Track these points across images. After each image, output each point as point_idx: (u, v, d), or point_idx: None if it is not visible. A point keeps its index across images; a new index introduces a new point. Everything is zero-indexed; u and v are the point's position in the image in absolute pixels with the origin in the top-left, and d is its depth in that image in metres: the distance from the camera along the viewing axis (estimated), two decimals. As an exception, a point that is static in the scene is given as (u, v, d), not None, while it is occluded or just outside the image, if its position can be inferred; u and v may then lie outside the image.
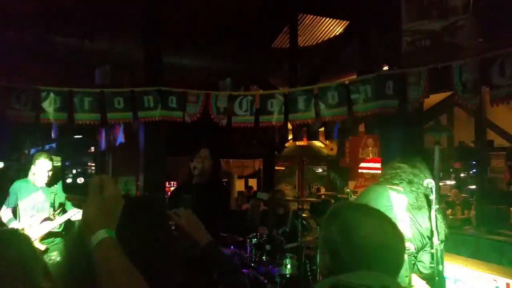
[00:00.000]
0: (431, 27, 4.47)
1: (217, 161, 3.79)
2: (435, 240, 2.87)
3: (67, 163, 1.16)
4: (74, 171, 1.15)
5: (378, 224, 1.33)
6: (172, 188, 10.94)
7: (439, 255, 2.84)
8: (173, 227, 1.54)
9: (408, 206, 2.80)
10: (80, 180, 1.14)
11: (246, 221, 6.67)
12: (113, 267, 0.99)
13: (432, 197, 3.02)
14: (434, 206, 2.98)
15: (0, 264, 1.56)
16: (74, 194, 1.15)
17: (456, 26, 4.20)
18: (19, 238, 1.72)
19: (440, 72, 4.43)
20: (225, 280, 1.52)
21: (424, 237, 2.82)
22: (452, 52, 4.24)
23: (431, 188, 2.99)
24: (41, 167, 4.39)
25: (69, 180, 1.15)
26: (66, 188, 1.14)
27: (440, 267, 2.79)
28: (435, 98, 5.41)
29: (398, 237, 1.34)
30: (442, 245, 2.91)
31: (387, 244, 1.29)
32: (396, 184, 2.85)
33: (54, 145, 7.84)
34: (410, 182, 2.83)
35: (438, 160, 6.60)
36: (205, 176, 3.68)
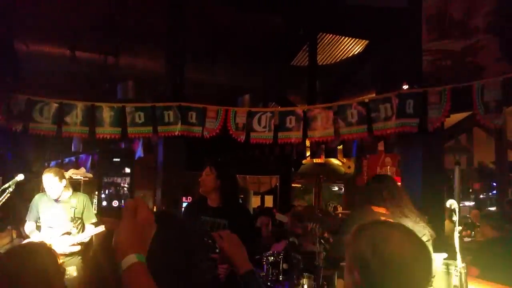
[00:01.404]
0: (452, 47, 4.46)
1: (226, 178, 3.50)
2: (459, 263, 2.82)
3: (104, 183, 1.18)
4: (107, 191, 1.17)
5: (407, 237, 1.32)
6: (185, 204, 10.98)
7: (463, 279, 2.79)
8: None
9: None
10: (115, 203, 1.16)
11: (262, 239, 6.62)
12: None
13: (456, 218, 2.99)
14: (457, 228, 2.95)
15: (26, 275, 1.58)
16: (109, 217, 1.16)
17: (477, 46, 4.18)
18: (45, 251, 1.75)
19: (461, 91, 4.40)
20: None
21: None
22: (474, 72, 4.22)
23: (454, 209, 2.97)
24: (45, 182, 4.39)
25: (104, 203, 1.16)
26: (102, 211, 1.16)
27: (465, 290, 2.74)
28: (454, 118, 5.37)
29: (426, 251, 1.34)
30: (465, 268, 2.87)
31: (416, 257, 1.28)
32: (377, 204, 3.02)
33: (73, 158, 7.95)
34: (391, 199, 3.00)
35: (458, 180, 6.52)
36: (210, 192, 3.48)
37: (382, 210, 2.96)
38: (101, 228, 4.37)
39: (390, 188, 3.02)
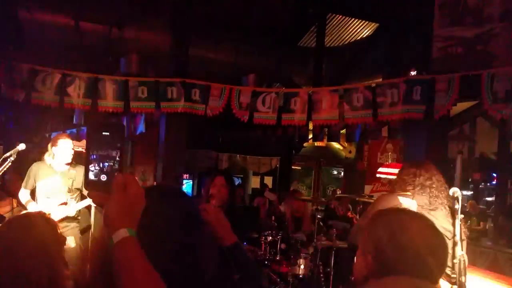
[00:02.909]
0: (464, 34, 4.38)
1: (233, 186, 3.73)
2: (459, 250, 2.82)
3: (92, 156, 1.14)
4: (96, 165, 1.13)
5: (424, 226, 1.34)
6: (189, 179, 10.98)
7: (462, 266, 2.79)
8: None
9: (419, 209, 2.81)
10: (104, 177, 1.13)
11: (260, 219, 6.65)
12: (133, 267, 0.98)
13: (458, 206, 2.97)
14: (460, 216, 2.94)
15: (25, 246, 1.57)
16: (97, 191, 1.13)
17: (491, 34, 4.10)
18: (45, 222, 1.73)
19: (470, 80, 4.34)
20: (248, 283, 1.51)
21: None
22: (485, 60, 4.15)
23: (457, 197, 2.95)
24: (64, 148, 4.40)
25: (92, 177, 1.13)
26: (89, 185, 1.13)
27: (463, 278, 2.74)
28: (459, 107, 5.32)
29: (442, 241, 1.35)
30: (465, 256, 2.87)
31: (432, 247, 1.30)
32: (407, 190, 2.87)
33: (74, 130, 7.92)
34: (422, 187, 2.85)
35: (460, 169, 6.50)
36: (223, 203, 3.61)
37: (409, 198, 2.87)
38: (89, 201, 4.36)
39: (426, 176, 2.94)
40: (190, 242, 1.13)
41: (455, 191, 2.94)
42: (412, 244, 1.28)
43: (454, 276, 2.77)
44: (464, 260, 2.84)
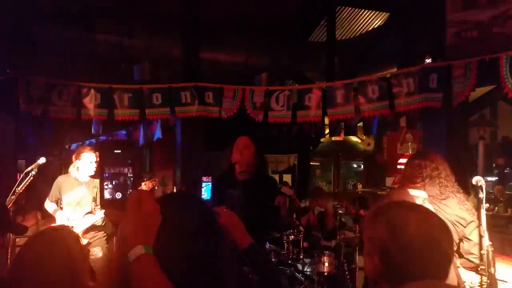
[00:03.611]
0: (479, 17, 4.27)
1: (259, 149, 3.38)
2: (486, 240, 2.75)
3: (105, 174, 1.14)
4: (113, 183, 1.14)
5: (424, 218, 1.31)
6: (209, 181, 11.01)
7: (490, 256, 2.72)
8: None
9: (430, 199, 2.80)
10: (119, 195, 1.13)
11: (282, 218, 6.61)
12: (150, 284, 0.98)
13: (482, 195, 2.90)
14: (484, 205, 2.87)
15: (50, 259, 1.58)
16: (113, 209, 1.13)
17: (507, 15, 3.98)
18: (69, 235, 1.75)
19: (488, 64, 4.23)
20: (267, 284, 1.48)
21: (455, 224, 2.79)
22: (502, 43, 4.03)
23: (481, 186, 2.89)
24: (87, 159, 4.51)
25: (107, 195, 1.13)
26: (105, 204, 1.14)
27: (492, 269, 2.67)
28: (478, 92, 5.20)
29: (445, 229, 1.31)
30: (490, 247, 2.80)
31: (435, 237, 1.27)
32: (417, 183, 2.86)
33: (93, 140, 8.03)
34: (430, 178, 2.85)
35: (482, 155, 6.36)
36: (248, 168, 3.30)
37: (420, 190, 2.84)
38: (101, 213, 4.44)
39: (432, 167, 2.89)
40: (207, 253, 1.10)
41: (478, 179, 2.87)
42: (415, 238, 1.25)
43: (483, 267, 2.71)
44: (492, 251, 2.77)
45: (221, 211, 1.52)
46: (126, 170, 1.13)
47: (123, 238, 1.03)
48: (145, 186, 4.59)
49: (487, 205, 2.69)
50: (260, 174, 3.43)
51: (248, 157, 3.28)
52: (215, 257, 1.11)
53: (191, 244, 1.08)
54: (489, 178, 10.32)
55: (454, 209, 2.83)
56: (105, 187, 1.13)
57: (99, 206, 4.54)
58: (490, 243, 2.73)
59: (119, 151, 1.14)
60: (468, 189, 5.09)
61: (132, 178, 1.13)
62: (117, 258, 1.10)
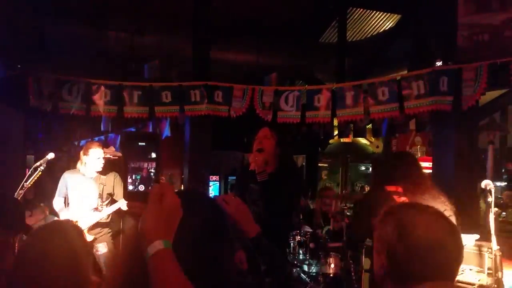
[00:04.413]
0: (491, 20, 4.23)
1: (282, 142, 3.27)
2: (494, 245, 2.73)
3: (129, 166, 1.15)
4: (133, 176, 1.14)
5: (434, 220, 1.30)
6: (216, 180, 11.03)
7: (497, 261, 2.71)
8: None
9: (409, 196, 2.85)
10: (141, 187, 1.13)
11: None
12: (168, 280, 0.97)
13: (491, 199, 2.88)
14: (493, 209, 2.85)
15: (53, 254, 1.59)
16: (136, 201, 1.13)
17: (519, 19, 3.95)
18: (72, 230, 1.76)
19: (499, 68, 4.20)
20: (274, 274, 1.48)
21: None
22: (513, 46, 3.99)
23: (489, 190, 2.87)
24: (94, 156, 4.52)
25: (130, 187, 1.13)
26: (128, 196, 1.14)
27: (499, 273, 2.65)
28: (489, 95, 5.16)
29: (456, 234, 1.30)
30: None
31: (444, 241, 1.26)
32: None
33: (102, 137, 8.08)
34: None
35: (491, 160, 6.30)
36: (269, 163, 3.18)
37: (397, 189, 2.85)
38: (119, 205, 4.43)
39: (407, 165, 2.91)
40: (217, 251, 1.10)
41: (487, 183, 2.86)
42: (422, 240, 1.25)
43: (490, 271, 2.69)
44: (500, 255, 2.75)
45: (229, 199, 1.51)
46: (149, 163, 1.13)
47: (142, 232, 1.01)
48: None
49: (496, 209, 2.66)
50: (284, 168, 3.30)
51: (269, 147, 3.19)
52: (224, 256, 1.10)
53: (200, 244, 1.07)
54: (498, 183, 10.22)
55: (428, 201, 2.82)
56: (129, 180, 1.13)
57: (105, 203, 4.57)
58: (498, 247, 2.71)
59: (143, 143, 1.14)
60: (477, 194, 5.06)
61: (155, 171, 1.13)
62: (126, 253, 1.10)
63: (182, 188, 6.72)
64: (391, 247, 1.28)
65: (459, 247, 1.30)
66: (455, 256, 1.28)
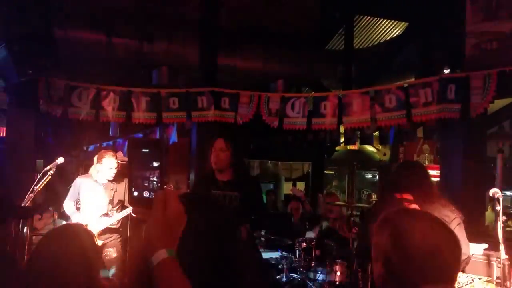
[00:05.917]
0: (499, 28, 4.23)
1: (238, 152, 3.54)
2: (502, 254, 2.72)
3: (134, 173, 1.15)
4: (141, 182, 1.15)
5: (430, 228, 1.29)
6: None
7: (506, 270, 2.69)
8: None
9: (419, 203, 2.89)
10: (146, 193, 1.13)
11: (294, 224, 6.59)
12: None
13: (499, 208, 2.87)
14: (501, 218, 2.83)
15: (64, 256, 1.61)
16: (140, 207, 1.14)
17: (528, 27, 3.94)
18: (84, 233, 1.78)
19: (507, 76, 4.19)
20: None
21: None
22: (522, 55, 3.99)
23: (498, 198, 2.86)
24: (107, 165, 4.55)
25: (135, 193, 1.15)
26: (133, 201, 1.14)
27: (508, 283, 2.63)
28: (498, 103, 5.14)
29: (452, 241, 1.29)
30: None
31: (440, 249, 1.24)
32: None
33: (111, 142, 8.13)
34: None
35: (500, 168, 6.26)
36: (224, 170, 3.41)
37: (408, 196, 2.85)
38: (129, 210, 4.49)
39: (417, 175, 2.91)
40: (224, 253, 1.11)
41: (495, 191, 2.84)
42: (417, 248, 1.23)
43: (499, 281, 2.67)
44: (509, 264, 2.73)
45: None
46: (154, 170, 1.13)
47: (146, 240, 1.01)
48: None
49: (504, 217, 2.65)
50: (241, 177, 3.53)
51: (224, 159, 3.38)
52: (230, 258, 1.11)
53: (212, 245, 1.07)
54: (508, 193, 10.12)
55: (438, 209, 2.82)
56: (133, 186, 1.14)
57: (115, 208, 4.60)
58: (507, 257, 2.69)
59: (147, 150, 1.15)
60: (485, 202, 5.03)
61: (159, 178, 1.14)
62: (136, 262, 1.10)
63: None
64: (387, 254, 1.27)
65: (456, 253, 1.29)
66: (452, 262, 1.26)
